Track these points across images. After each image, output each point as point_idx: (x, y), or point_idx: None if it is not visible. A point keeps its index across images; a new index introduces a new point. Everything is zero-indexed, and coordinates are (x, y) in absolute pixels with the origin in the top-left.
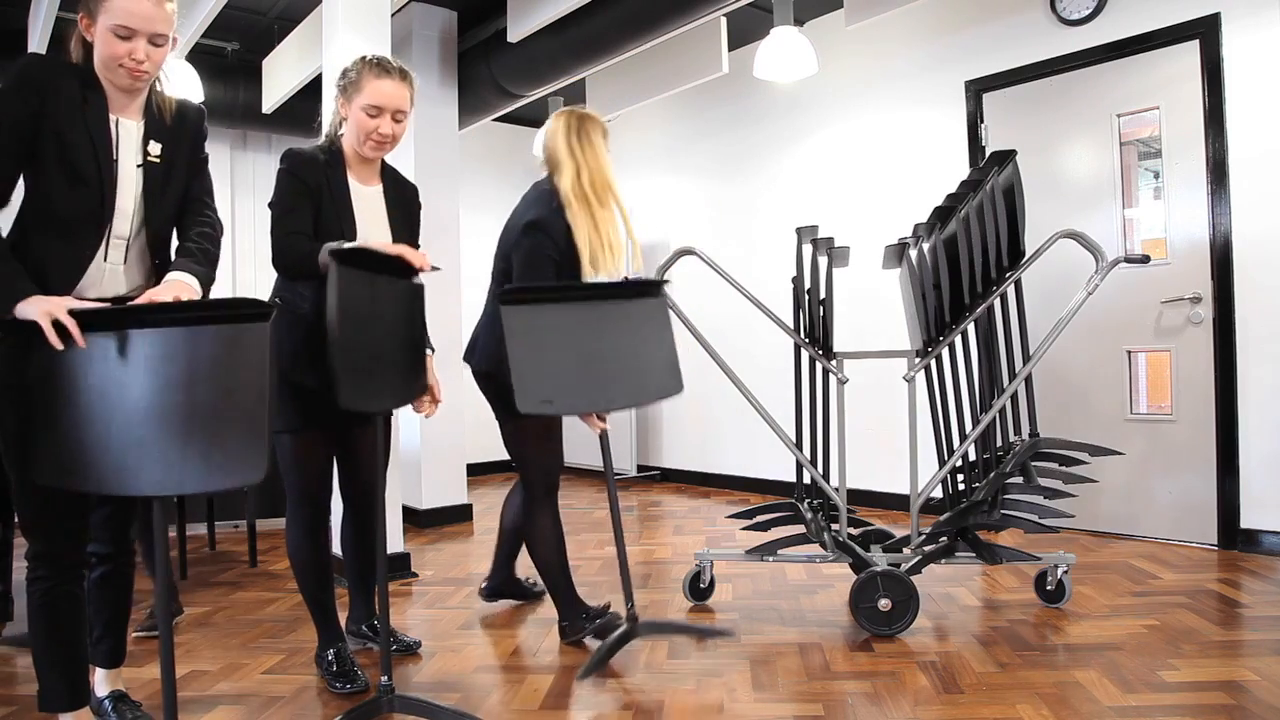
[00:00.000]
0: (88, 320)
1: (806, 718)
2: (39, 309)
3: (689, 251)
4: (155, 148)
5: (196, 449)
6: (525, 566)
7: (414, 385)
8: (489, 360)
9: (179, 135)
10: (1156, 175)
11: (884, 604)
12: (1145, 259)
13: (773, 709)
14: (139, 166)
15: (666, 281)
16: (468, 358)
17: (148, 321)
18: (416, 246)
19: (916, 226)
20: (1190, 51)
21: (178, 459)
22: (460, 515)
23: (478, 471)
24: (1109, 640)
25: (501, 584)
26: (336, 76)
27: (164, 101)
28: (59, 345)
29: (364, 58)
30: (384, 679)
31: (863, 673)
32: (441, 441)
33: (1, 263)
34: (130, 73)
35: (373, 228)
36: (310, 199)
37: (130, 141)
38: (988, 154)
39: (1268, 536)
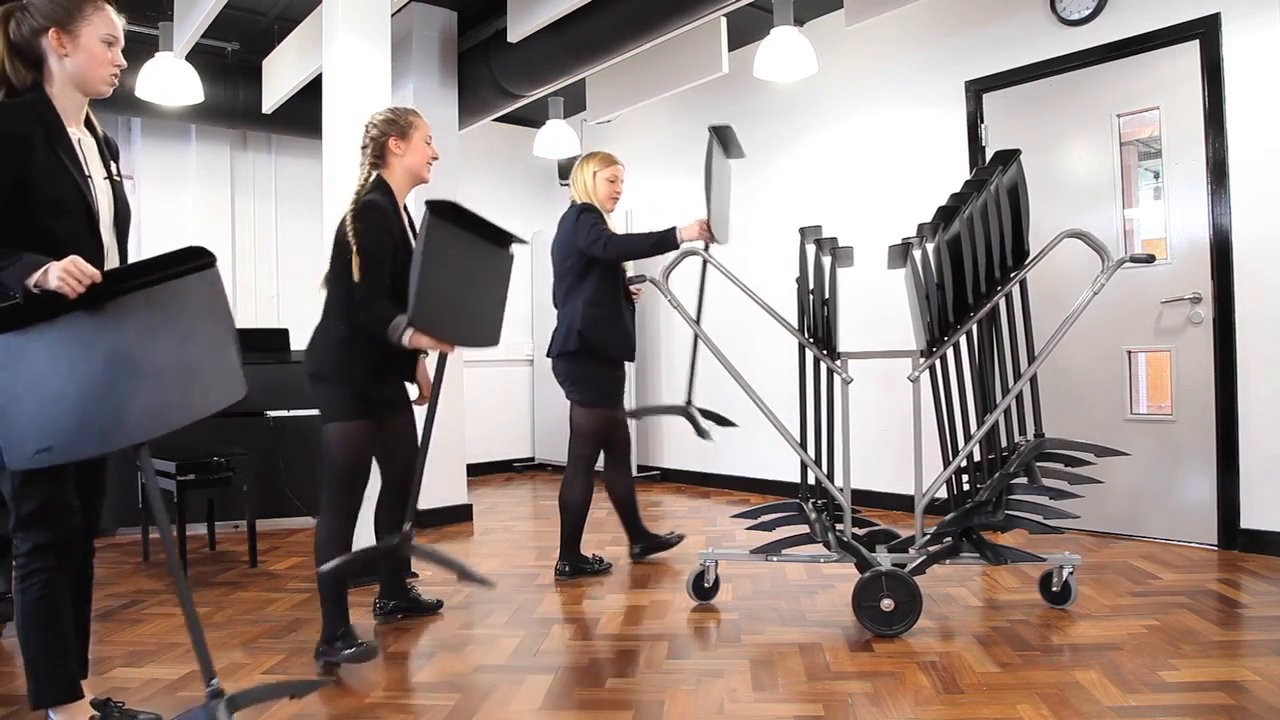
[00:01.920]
0: (57, 306)
1: (806, 718)
2: (55, 272)
3: (693, 251)
4: (114, 167)
5: (174, 389)
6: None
7: (484, 332)
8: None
9: (116, 154)
10: (1156, 175)
11: (887, 604)
12: (1150, 258)
13: (773, 709)
14: (105, 179)
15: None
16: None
17: (107, 294)
18: None
19: (921, 226)
20: (1190, 51)
21: (158, 403)
22: (460, 515)
23: (478, 471)
24: (1109, 640)
25: (648, 542)
26: (384, 126)
27: (92, 114)
28: (76, 293)
29: (403, 108)
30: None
31: (863, 673)
32: (441, 441)
33: (11, 253)
34: (113, 77)
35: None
36: (393, 248)
37: (93, 155)
38: (988, 154)
39: (1268, 536)
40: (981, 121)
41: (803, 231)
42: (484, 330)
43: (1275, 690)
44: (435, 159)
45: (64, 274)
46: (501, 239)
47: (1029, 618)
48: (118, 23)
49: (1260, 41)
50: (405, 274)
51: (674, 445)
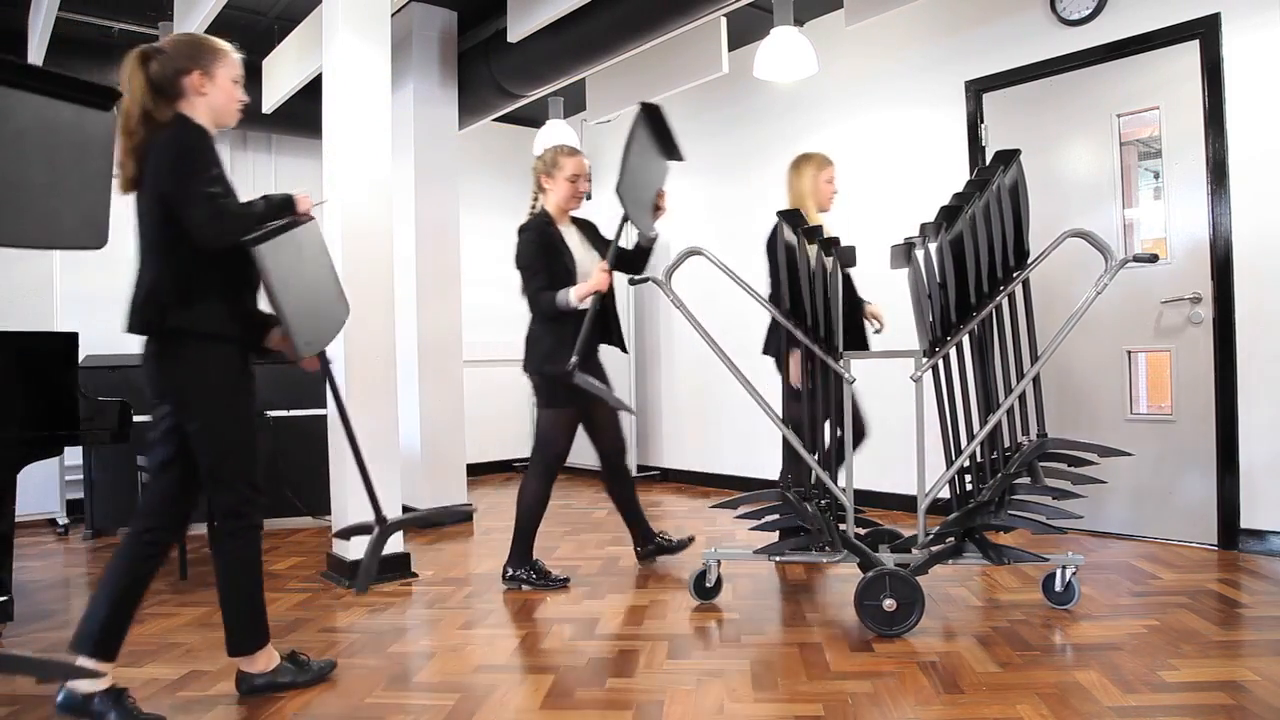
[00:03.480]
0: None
1: (806, 718)
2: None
3: (696, 252)
4: None
5: (335, 303)
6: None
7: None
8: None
9: None
10: (1156, 175)
11: (889, 604)
12: (1153, 258)
13: (773, 709)
14: None
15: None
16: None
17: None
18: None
19: (923, 226)
20: (1190, 51)
21: (335, 313)
22: (460, 515)
23: (478, 471)
24: (1109, 640)
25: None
26: (539, 165)
27: None
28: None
29: (558, 147)
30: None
31: (863, 673)
32: (441, 441)
33: (255, 202)
34: (239, 111)
35: (580, 253)
36: (547, 253)
37: None
38: (988, 154)
39: (1268, 536)
40: (981, 121)
41: (805, 231)
42: (649, 223)
43: (1275, 690)
44: (579, 195)
45: (311, 203)
46: (671, 152)
47: (1029, 618)
48: (241, 65)
49: (1260, 41)
50: (561, 270)
51: (674, 445)
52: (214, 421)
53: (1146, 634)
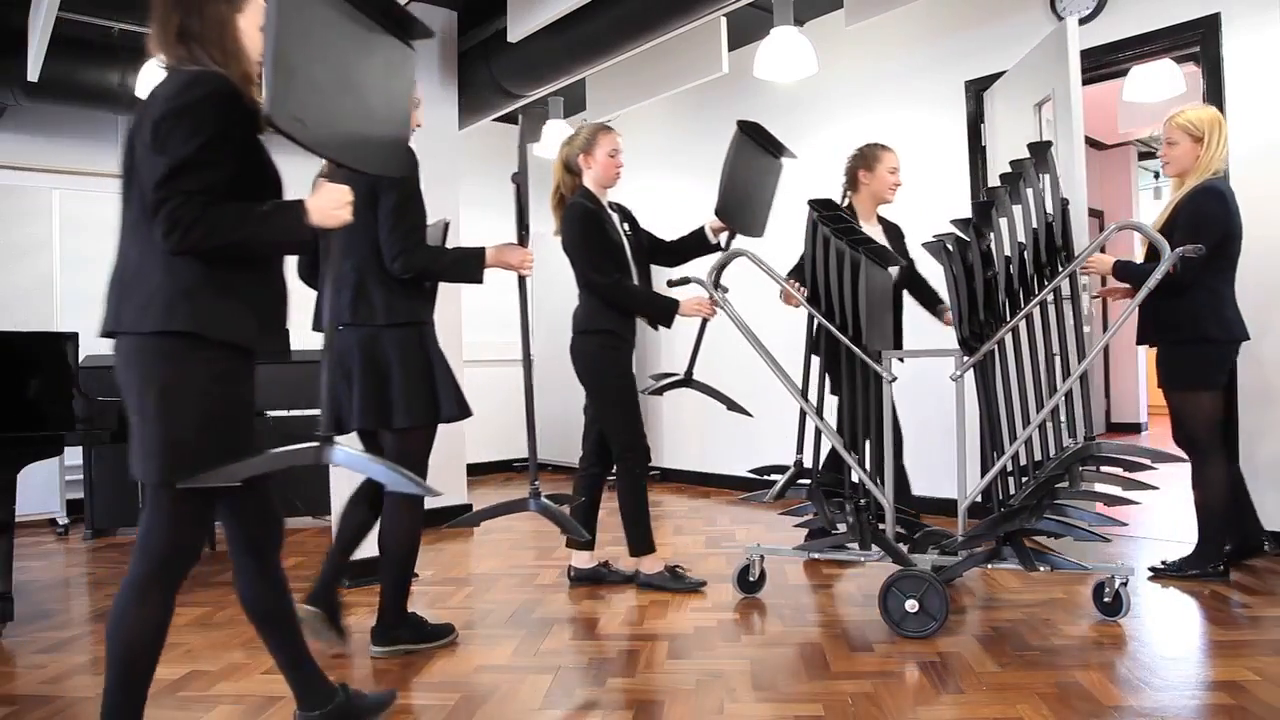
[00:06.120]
0: None
1: (806, 718)
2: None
3: (742, 253)
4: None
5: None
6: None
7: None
8: None
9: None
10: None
11: (911, 605)
12: (1200, 250)
13: (773, 709)
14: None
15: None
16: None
17: None
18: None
19: (958, 223)
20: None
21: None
22: (460, 515)
23: (478, 471)
24: (1109, 640)
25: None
26: (853, 160)
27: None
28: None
29: (872, 145)
30: None
31: (863, 673)
32: (441, 441)
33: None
34: (618, 174)
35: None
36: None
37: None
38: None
39: (1268, 536)
40: (981, 121)
41: (812, 204)
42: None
43: (1275, 690)
44: (895, 186)
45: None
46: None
47: (1029, 618)
48: (618, 140)
49: (1260, 41)
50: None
51: (674, 445)
52: (612, 397)
53: (1146, 634)
